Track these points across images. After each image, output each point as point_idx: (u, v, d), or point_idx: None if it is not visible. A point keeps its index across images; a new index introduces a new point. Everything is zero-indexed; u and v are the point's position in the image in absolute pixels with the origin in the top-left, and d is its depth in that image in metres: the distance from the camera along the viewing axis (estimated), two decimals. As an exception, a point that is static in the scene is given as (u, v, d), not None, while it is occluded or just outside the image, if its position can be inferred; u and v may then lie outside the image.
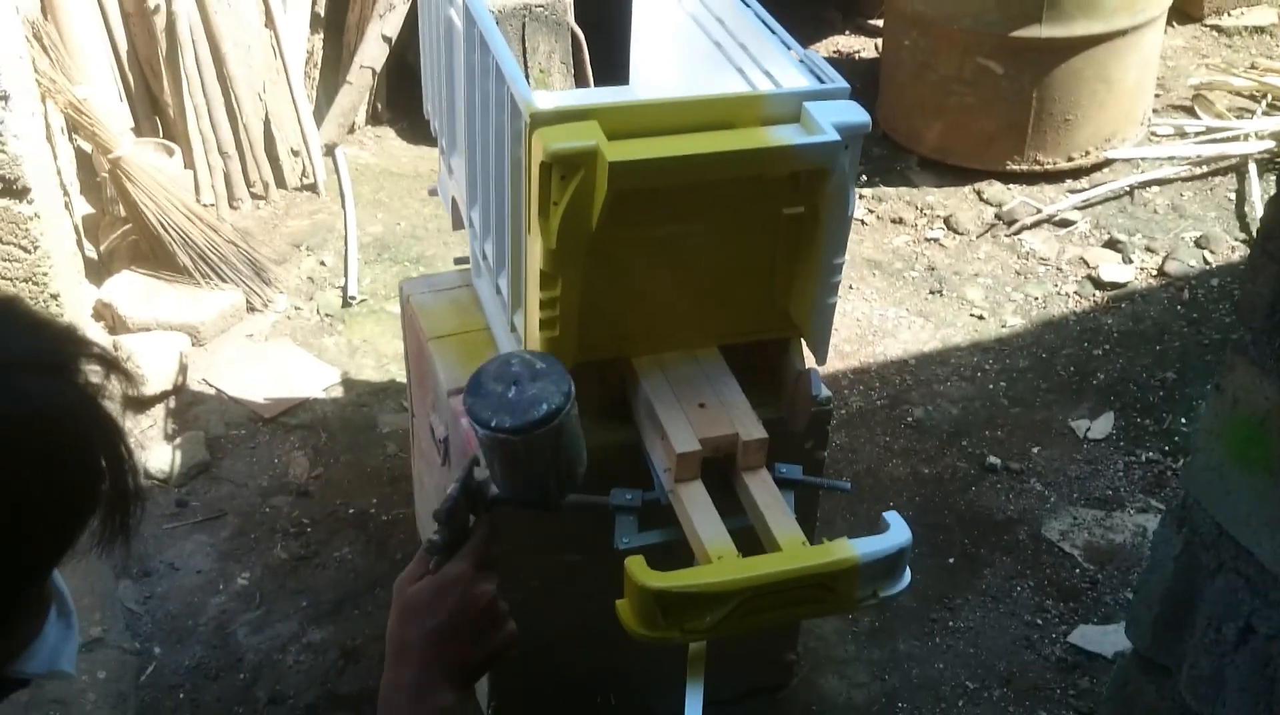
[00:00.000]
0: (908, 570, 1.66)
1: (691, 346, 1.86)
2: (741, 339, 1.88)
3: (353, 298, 3.35)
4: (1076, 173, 3.94)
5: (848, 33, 4.89)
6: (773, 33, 1.86)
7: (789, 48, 1.82)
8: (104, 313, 3.12)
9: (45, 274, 2.44)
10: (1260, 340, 1.29)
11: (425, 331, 2.13)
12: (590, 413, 1.81)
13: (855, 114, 1.64)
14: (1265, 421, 1.30)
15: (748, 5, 1.93)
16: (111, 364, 0.84)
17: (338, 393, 3.06)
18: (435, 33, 2.18)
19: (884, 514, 1.65)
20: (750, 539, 1.69)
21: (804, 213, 1.72)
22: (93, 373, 0.83)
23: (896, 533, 1.63)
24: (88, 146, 3.24)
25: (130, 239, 3.25)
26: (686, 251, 1.77)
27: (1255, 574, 1.36)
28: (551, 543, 1.96)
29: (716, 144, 1.58)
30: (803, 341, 1.89)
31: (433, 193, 2.49)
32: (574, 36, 4.10)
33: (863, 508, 2.80)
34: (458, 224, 2.25)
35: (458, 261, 2.35)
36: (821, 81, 1.71)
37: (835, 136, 1.59)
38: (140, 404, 2.93)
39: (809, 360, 1.91)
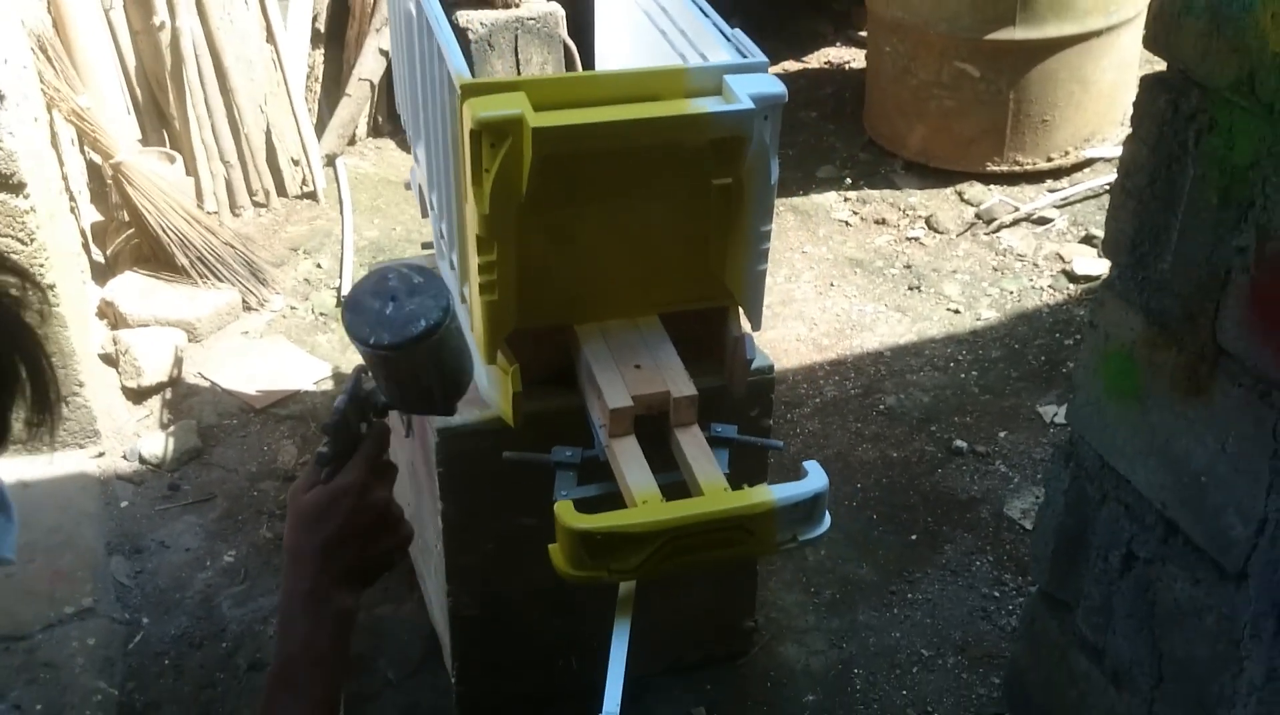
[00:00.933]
0: (827, 515, 1.74)
1: (632, 314, 1.96)
2: (681, 307, 1.98)
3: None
4: (1056, 173, 4.02)
5: (839, 44, 5.00)
6: (706, 17, 1.96)
7: (721, 30, 1.92)
8: (106, 311, 3.26)
9: (42, 266, 2.57)
10: (1125, 274, 1.38)
11: (390, 309, 2.23)
12: (536, 378, 1.93)
13: (772, 86, 1.73)
14: (1133, 352, 1.38)
15: (687, -6, 2.04)
16: (25, 275, 0.93)
17: (328, 386, 3.18)
18: (399, 27, 2.30)
19: (803, 462, 1.74)
20: (684, 493, 1.78)
21: (731, 183, 1.82)
22: (10, 285, 0.93)
23: (814, 479, 1.71)
24: (98, 158, 3.39)
25: (133, 242, 3.40)
26: (625, 222, 1.87)
27: (1133, 501, 1.44)
28: (507, 507, 2.05)
29: (636, 112, 1.68)
30: (740, 309, 1.98)
31: (408, 186, 2.61)
32: (566, 49, 4.23)
33: (831, 489, 2.86)
34: (425, 211, 2.36)
35: (424, 246, 2.47)
36: (744, 57, 1.81)
37: (750, 105, 1.69)
38: (138, 395, 3.06)
39: (747, 328, 2.00)
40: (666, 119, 1.69)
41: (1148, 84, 1.29)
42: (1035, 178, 4.01)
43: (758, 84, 1.74)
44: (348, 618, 1.19)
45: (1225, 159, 1.19)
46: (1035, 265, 3.68)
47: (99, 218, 3.53)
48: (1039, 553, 1.62)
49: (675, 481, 1.79)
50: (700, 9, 2.00)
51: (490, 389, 1.96)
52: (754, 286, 1.91)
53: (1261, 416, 1.19)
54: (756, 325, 1.97)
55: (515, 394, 1.86)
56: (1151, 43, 1.26)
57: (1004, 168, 3.98)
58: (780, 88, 1.75)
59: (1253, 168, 1.15)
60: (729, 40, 1.88)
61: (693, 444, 1.80)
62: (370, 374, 1.23)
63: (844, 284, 3.64)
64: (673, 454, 1.83)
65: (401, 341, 1.15)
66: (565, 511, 1.63)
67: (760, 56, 1.81)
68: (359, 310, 1.17)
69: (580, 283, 1.91)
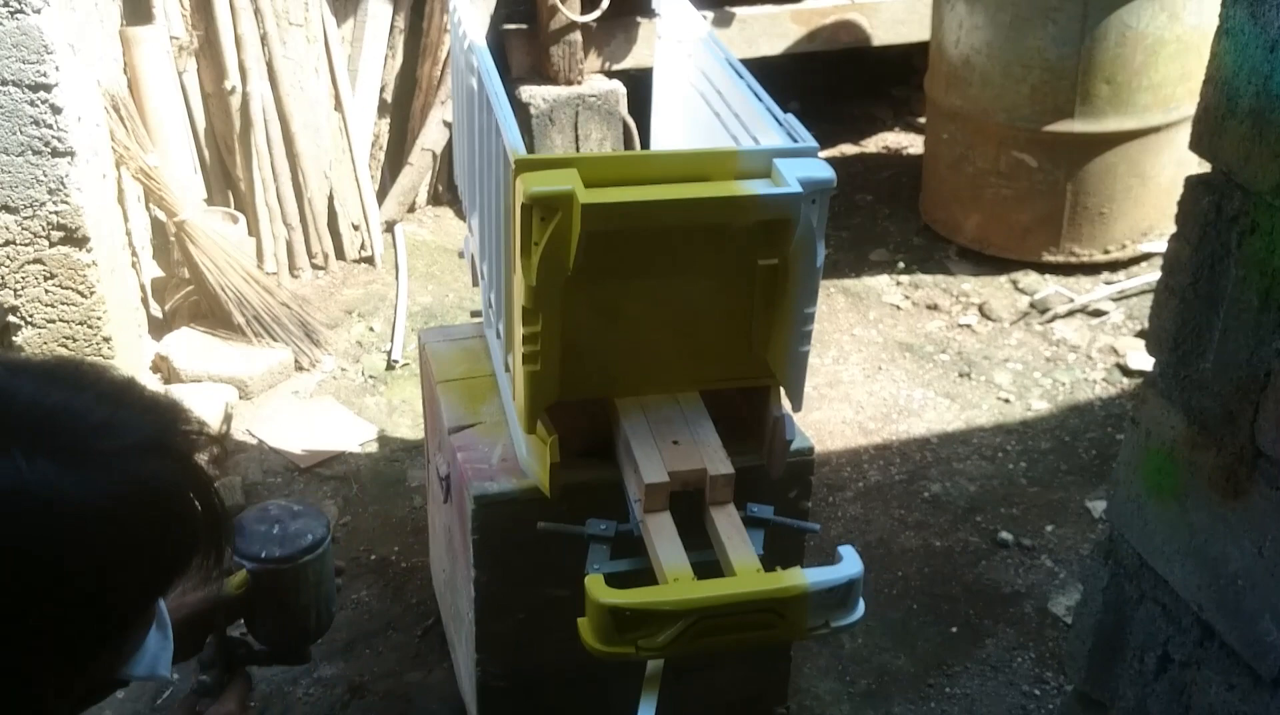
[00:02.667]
0: (861, 602, 1.72)
1: (673, 390, 1.97)
2: (722, 385, 1.98)
3: (396, 361, 3.53)
4: (1113, 265, 3.99)
5: (897, 129, 5.04)
6: (760, 100, 1.99)
7: (773, 114, 1.94)
8: (161, 365, 3.33)
9: (99, 318, 2.64)
10: (1167, 372, 1.37)
11: (435, 376, 2.27)
12: (574, 450, 1.94)
13: (821, 170, 1.75)
14: (1173, 450, 1.37)
15: (741, 77, 2.07)
16: (210, 437, 1.07)
17: (373, 448, 3.21)
18: (460, 100, 2.36)
19: (839, 547, 1.73)
20: (716, 572, 1.77)
21: (777, 264, 1.83)
22: (199, 440, 1.04)
23: (849, 564, 1.70)
24: (163, 215, 3.49)
25: (191, 298, 3.47)
26: (669, 299, 1.88)
27: (1170, 602, 1.41)
28: (540, 577, 2.05)
29: (685, 192, 1.70)
30: (781, 390, 1.98)
31: (461, 254, 2.65)
32: (625, 126, 4.31)
33: (870, 576, 2.84)
34: (475, 279, 2.40)
35: (473, 315, 2.50)
36: (794, 141, 1.83)
37: (799, 189, 1.71)
38: (187, 449, 3.11)
39: (788, 408, 2.00)
40: (714, 199, 1.71)
41: (1192, 184, 1.29)
42: (1091, 269, 3.99)
43: (807, 168, 1.76)
44: None
45: (1267, 262, 1.18)
46: (1089, 357, 3.64)
47: (160, 273, 3.62)
48: (1075, 651, 1.59)
49: (709, 560, 1.78)
50: (754, 92, 2.03)
51: (528, 459, 1.97)
52: (796, 367, 1.91)
53: (1301, 522, 1.17)
54: (798, 406, 1.97)
55: (553, 465, 1.87)
56: (1196, 144, 1.27)
57: (1060, 258, 3.96)
58: (829, 173, 1.77)
59: (1295, 271, 1.14)
60: (781, 124, 1.90)
61: (727, 523, 1.80)
62: (248, 615, 1.36)
63: (893, 368, 3.62)
64: (707, 532, 1.82)
65: (291, 553, 1.30)
66: (595, 586, 1.63)
67: (811, 141, 1.83)
68: (246, 535, 1.31)
69: (622, 357, 1.92)
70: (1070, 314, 3.82)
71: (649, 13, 2.49)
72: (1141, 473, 1.42)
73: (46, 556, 0.90)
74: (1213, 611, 1.32)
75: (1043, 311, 3.82)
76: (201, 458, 1.05)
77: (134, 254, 3.32)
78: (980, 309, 3.87)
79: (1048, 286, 3.92)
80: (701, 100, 2.26)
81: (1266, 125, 1.16)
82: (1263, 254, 1.19)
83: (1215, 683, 1.34)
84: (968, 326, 3.81)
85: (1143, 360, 3.55)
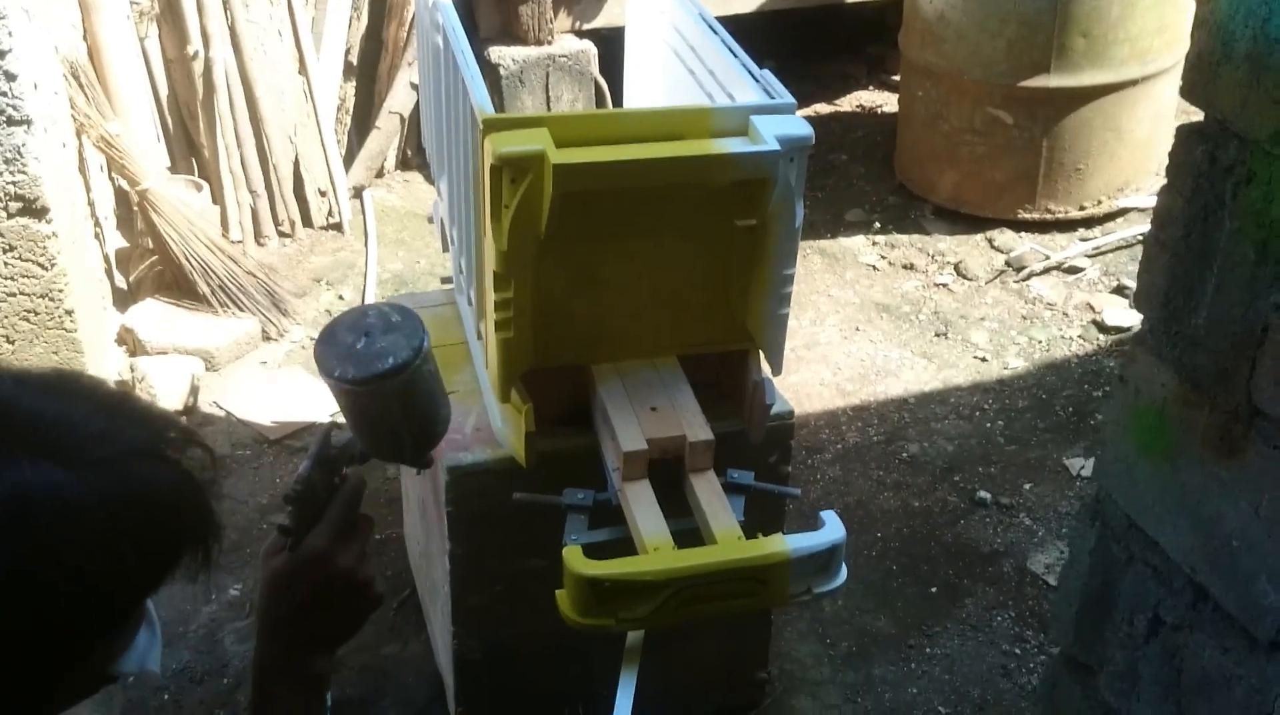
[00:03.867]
0: (843, 567, 1.69)
1: (651, 355, 1.92)
2: (700, 350, 1.94)
3: (366, 329, 3.46)
4: (1089, 222, 3.97)
5: (872, 88, 4.99)
6: (735, 56, 1.93)
7: (749, 71, 1.89)
8: (126, 337, 3.26)
9: (61, 291, 2.57)
10: (1157, 329, 1.34)
11: (406, 343, 2.21)
12: (550, 418, 1.90)
13: (798, 128, 1.70)
14: (1164, 409, 1.33)
15: (715, 33, 2.02)
16: (201, 446, 1.06)
17: (343, 418, 3.15)
18: (427, 60, 2.29)
19: (821, 512, 1.69)
20: (698, 541, 1.74)
21: (755, 225, 1.79)
22: (199, 462, 1.04)
23: (831, 530, 1.67)
24: (125, 184, 3.40)
25: (156, 269, 3.40)
26: (645, 262, 1.83)
27: (1161, 564, 1.38)
28: (517, 549, 2.01)
29: (660, 151, 1.65)
30: (760, 353, 1.94)
31: (431, 219, 2.59)
32: (597, 86, 4.23)
33: (849, 537, 2.81)
34: (445, 245, 2.34)
35: (444, 281, 2.45)
36: (771, 98, 1.78)
37: (776, 147, 1.66)
38: (154, 423, 3.05)
39: (767, 372, 1.96)
40: (690, 159, 1.66)
41: (1184, 134, 1.25)
42: (1067, 226, 3.96)
43: (784, 125, 1.71)
44: (320, 682, 1.23)
45: (1264, 213, 1.14)
46: (1065, 315, 3.62)
47: (124, 244, 3.54)
48: (1062, 614, 1.57)
49: (689, 528, 1.75)
50: (730, 49, 1.98)
51: (503, 428, 1.93)
52: (775, 330, 1.87)
53: (1298, 481, 1.14)
54: (777, 370, 1.93)
55: (528, 433, 1.82)
56: (1188, 92, 1.23)
57: (1036, 215, 3.93)
58: (807, 130, 1.72)
59: (1292, 222, 1.11)
60: (757, 81, 1.85)
61: (708, 490, 1.76)
62: (342, 419, 1.21)
63: (870, 329, 3.59)
64: (687, 500, 1.79)
65: (366, 377, 1.13)
66: (574, 557, 1.59)
67: (788, 98, 1.78)
68: (332, 343, 1.16)
69: (598, 322, 1.87)
70: (1046, 271, 3.80)
71: (619, -31, 2.43)
72: (1131, 432, 1.39)
73: (51, 556, 0.93)
74: (1206, 573, 1.30)
75: (1019, 269, 3.80)
76: (193, 464, 1.06)
77: (96, 224, 3.24)
78: (956, 268, 3.84)
79: (1023, 244, 3.90)
80: (675, 57, 2.20)
81: (1264, 70, 1.12)
82: (1260, 205, 1.16)
83: (1209, 646, 1.31)
84: (944, 286, 3.78)
85: (1119, 316, 3.54)
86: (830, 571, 1.69)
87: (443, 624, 2.19)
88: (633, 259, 1.82)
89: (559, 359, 1.87)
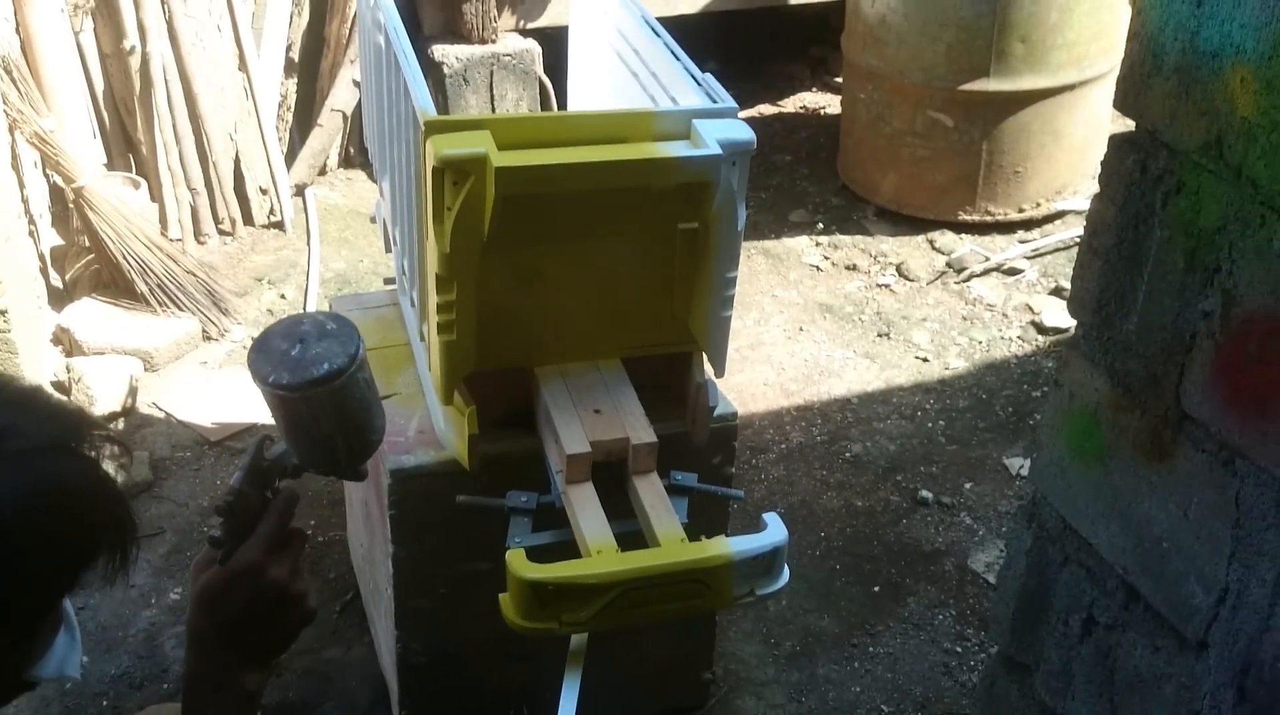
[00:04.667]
0: (785, 569, 1.71)
1: (594, 357, 1.92)
2: (643, 352, 1.95)
3: (309, 329, 3.43)
4: (1028, 223, 4.03)
5: (815, 89, 5.02)
6: (678, 59, 1.94)
7: (692, 75, 1.90)
8: (62, 337, 3.20)
9: (-6, 290, 2.53)
10: (1090, 334, 1.36)
11: (348, 345, 2.19)
12: (493, 420, 1.89)
13: (740, 132, 1.71)
14: (1097, 413, 1.36)
15: (658, 35, 2.02)
16: (116, 442, 1.06)
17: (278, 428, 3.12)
18: (368, 59, 2.27)
19: (764, 515, 1.71)
20: (642, 544, 1.74)
21: (697, 228, 1.79)
22: (115, 459, 1.07)
23: (773, 532, 1.68)
24: (61, 181, 3.34)
25: (93, 268, 3.34)
26: (588, 264, 1.84)
27: (1095, 564, 1.41)
28: (460, 551, 2.00)
29: (602, 154, 1.66)
30: (704, 355, 1.95)
31: (373, 220, 2.57)
32: (542, 86, 4.22)
33: (793, 537, 2.83)
34: (388, 246, 2.32)
35: (387, 282, 2.43)
36: (714, 102, 1.79)
37: (718, 150, 1.67)
38: (90, 425, 3.00)
39: (710, 374, 1.97)
40: (632, 162, 1.67)
41: (1116, 143, 1.28)
42: (1006, 228, 4.01)
43: (726, 129, 1.72)
44: (252, 698, 1.20)
45: (1192, 222, 1.17)
46: (1005, 316, 3.67)
47: (60, 242, 3.47)
48: (999, 614, 1.59)
49: (633, 531, 1.75)
50: (672, 52, 1.99)
51: (446, 430, 1.92)
52: (718, 332, 1.88)
53: (1224, 484, 1.16)
54: (720, 371, 1.94)
55: (471, 436, 1.82)
56: (1121, 103, 1.25)
57: (975, 217, 3.98)
58: (749, 134, 1.73)
59: (1219, 232, 1.13)
60: (700, 84, 1.86)
61: (651, 492, 1.77)
62: (277, 428, 1.20)
63: (813, 329, 3.62)
64: (630, 502, 1.79)
65: (300, 383, 1.13)
66: (516, 560, 1.59)
67: (730, 102, 1.79)
68: (265, 350, 1.16)
69: (542, 324, 1.87)
70: (986, 273, 3.85)
71: (563, -31, 2.42)
72: (1064, 435, 1.41)
73: None
74: (1137, 574, 1.32)
75: (959, 271, 3.84)
76: (107, 460, 1.06)
77: (31, 222, 3.18)
78: (898, 269, 3.88)
79: (964, 246, 3.94)
80: (619, 59, 2.20)
81: (1193, 82, 1.15)
82: (1188, 214, 1.18)
83: (1140, 645, 1.34)
84: (886, 286, 3.82)
85: (1057, 317, 3.59)
86: (773, 573, 1.71)
87: (386, 627, 2.18)
88: (576, 261, 1.82)
89: (502, 361, 1.87)
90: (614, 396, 1.86)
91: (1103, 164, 1.31)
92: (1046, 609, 1.50)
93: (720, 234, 1.78)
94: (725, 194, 1.73)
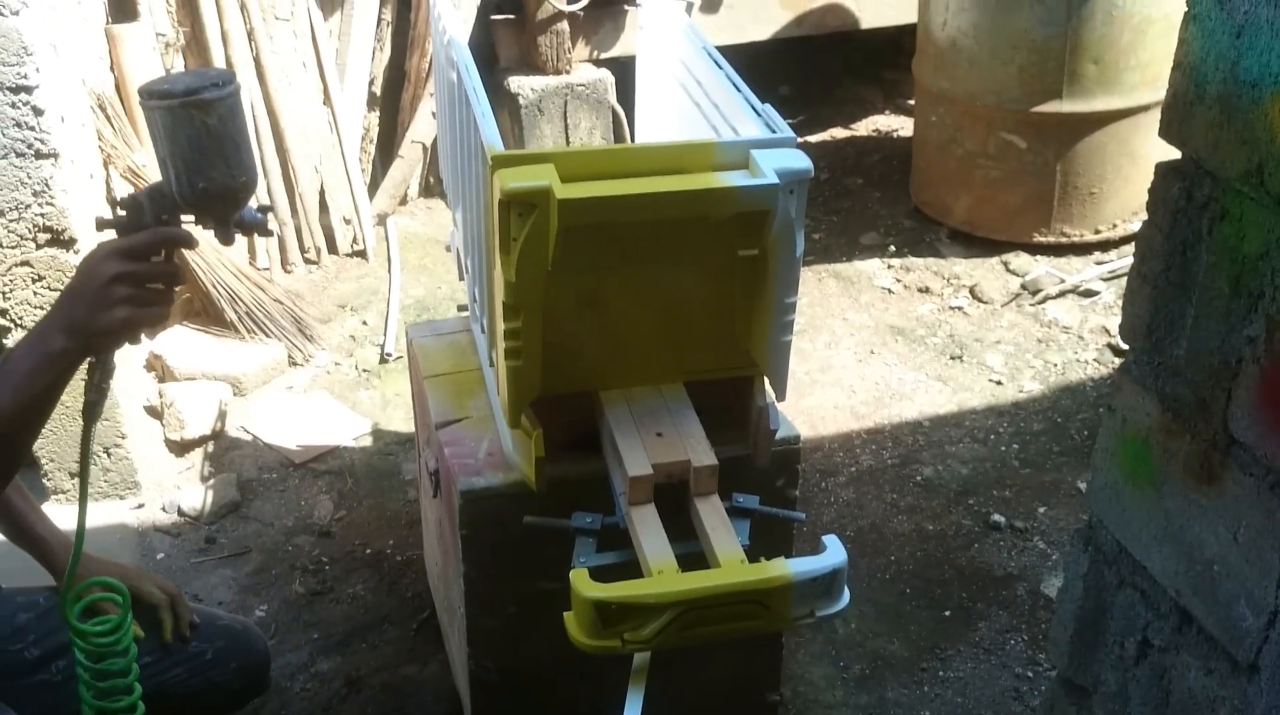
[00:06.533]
0: (845, 591, 1.73)
1: (657, 382, 1.97)
2: (706, 376, 1.98)
3: (389, 355, 3.53)
4: (1104, 245, 3.99)
5: (887, 113, 5.03)
6: (738, 90, 1.98)
7: (752, 105, 1.94)
8: (155, 363, 3.33)
9: (90, 319, 2.65)
10: (1141, 360, 1.37)
11: (423, 371, 2.27)
12: (560, 444, 1.95)
13: (797, 161, 1.75)
14: (1149, 438, 1.37)
15: (720, 67, 2.07)
16: None
17: (367, 442, 3.22)
18: (443, 93, 2.36)
19: (823, 537, 1.73)
20: (702, 564, 1.78)
21: (756, 255, 1.83)
22: None
23: (832, 554, 1.70)
24: (151, 211, 3.49)
25: (184, 296, 3.48)
26: (651, 292, 1.88)
27: (1149, 587, 1.42)
28: (529, 571, 2.05)
29: (662, 185, 1.70)
30: (765, 379, 1.99)
31: (448, 248, 2.65)
32: (614, 114, 4.30)
33: (863, 561, 2.86)
34: (461, 274, 2.40)
35: (460, 308, 2.50)
36: (772, 132, 1.83)
37: (775, 180, 1.71)
38: (180, 447, 3.12)
39: (772, 397, 2.00)
40: (692, 192, 1.71)
41: (1163, 171, 1.30)
42: (1082, 249, 3.98)
43: (784, 159, 1.76)
44: (56, 359, 1.45)
45: (1236, 248, 1.18)
46: (1080, 338, 3.65)
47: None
48: (1058, 636, 1.60)
49: (694, 552, 1.79)
50: (733, 82, 2.03)
51: (514, 453, 1.98)
52: (779, 357, 1.91)
53: (1271, 508, 1.17)
54: (781, 395, 1.97)
55: (538, 458, 1.87)
56: (1166, 131, 1.27)
57: (1050, 239, 3.96)
58: (806, 163, 1.76)
59: (1262, 258, 1.15)
60: (759, 115, 1.90)
61: (712, 514, 1.80)
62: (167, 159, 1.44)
63: (884, 352, 3.63)
64: (692, 524, 1.83)
65: (142, 93, 1.40)
66: (580, 580, 1.64)
67: (788, 132, 1.83)
68: (167, 79, 1.44)
69: (606, 350, 1.92)
70: (1061, 294, 3.82)
71: (635, 2, 2.49)
72: (1118, 460, 1.43)
73: None
74: (1190, 597, 1.33)
75: (1034, 292, 3.82)
76: None
77: (124, 253, 3.31)
78: (971, 291, 3.87)
79: (1039, 267, 3.92)
80: (682, 90, 2.25)
81: (1234, 111, 1.16)
82: (1232, 241, 1.20)
83: (1194, 667, 1.34)
84: (959, 309, 3.81)
85: (1134, 340, 3.55)
86: (833, 594, 1.73)
87: (459, 644, 2.24)
88: (639, 288, 1.87)
89: (567, 386, 1.92)
90: (676, 420, 1.90)
91: (1150, 191, 1.33)
92: (1103, 632, 1.51)
93: (779, 260, 1.82)
94: (783, 221, 1.77)
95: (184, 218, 1.51)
